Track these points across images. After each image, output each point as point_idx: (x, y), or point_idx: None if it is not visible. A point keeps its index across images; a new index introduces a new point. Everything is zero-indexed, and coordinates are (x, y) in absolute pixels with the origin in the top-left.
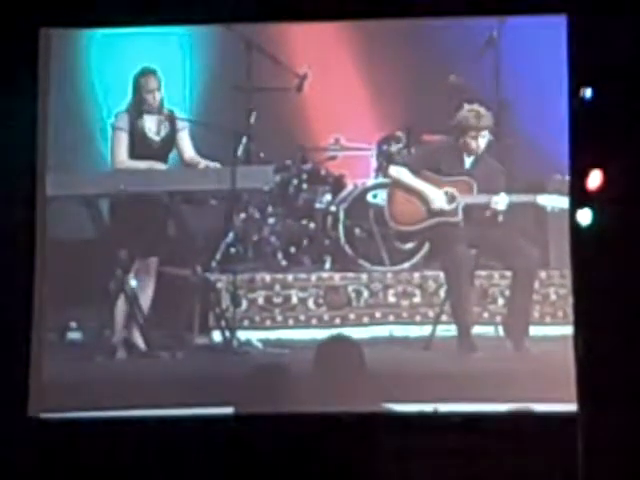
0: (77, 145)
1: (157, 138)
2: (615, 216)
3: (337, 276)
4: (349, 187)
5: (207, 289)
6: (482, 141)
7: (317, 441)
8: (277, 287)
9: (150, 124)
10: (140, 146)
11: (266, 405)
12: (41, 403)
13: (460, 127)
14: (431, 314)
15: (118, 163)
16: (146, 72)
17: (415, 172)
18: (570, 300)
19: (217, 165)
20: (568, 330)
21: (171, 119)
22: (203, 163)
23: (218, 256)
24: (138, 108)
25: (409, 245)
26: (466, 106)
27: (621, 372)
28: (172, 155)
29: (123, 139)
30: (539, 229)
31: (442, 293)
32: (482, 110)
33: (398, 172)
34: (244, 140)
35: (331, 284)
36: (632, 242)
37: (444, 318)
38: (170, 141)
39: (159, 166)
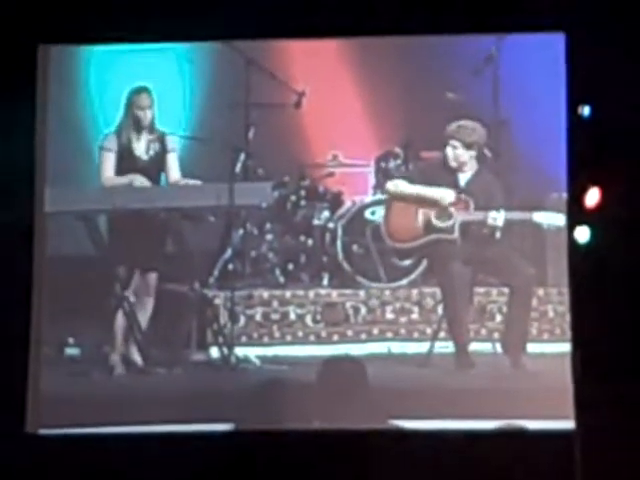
0: (76, 161)
1: (145, 157)
2: (613, 234)
3: (335, 293)
4: (347, 204)
5: (205, 305)
6: (468, 155)
7: (316, 458)
8: (275, 303)
9: (139, 143)
10: (127, 164)
11: (264, 422)
12: (39, 419)
13: (445, 138)
14: (429, 331)
15: (105, 180)
16: (138, 90)
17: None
18: (568, 317)
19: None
20: (566, 347)
21: (161, 139)
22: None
23: (216, 272)
24: (128, 126)
25: (407, 262)
26: (456, 122)
27: (618, 389)
28: (162, 176)
29: (110, 158)
30: (536, 246)
31: (440, 310)
32: (469, 124)
33: (396, 185)
34: (242, 156)
35: (329, 300)
36: (630, 260)
37: (442, 335)
38: (159, 161)
39: (143, 180)
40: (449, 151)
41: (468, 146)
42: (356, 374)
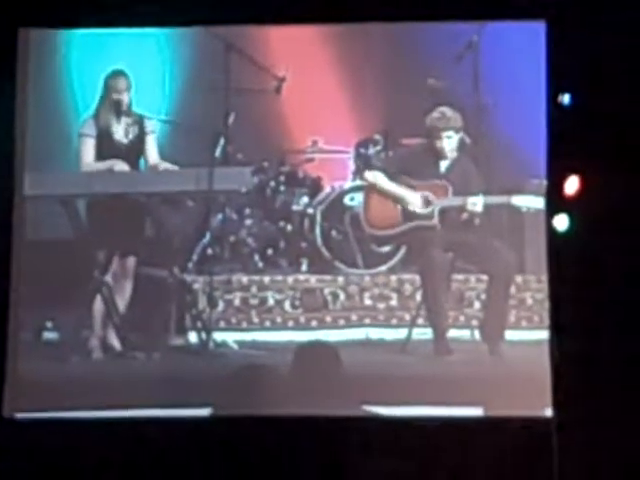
0: (55, 145)
1: (125, 140)
2: (592, 221)
3: (313, 278)
4: (326, 189)
5: (183, 290)
6: (449, 142)
7: (293, 443)
8: (254, 289)
9: (118, 127)
10: (107, 149)
11: (242, 407)
12: (16, 403)
13: (428, 129)
14: (407, 317)
15: (84, 166)
16: (115, 73)
17: (391, 176)
18: (546, 305)
19: (175, 168)
20: (544, 335)
21: (140, 122)
22: (167, 167)
23: (195, 257)
24: (106, 110)
25: (385, 248)
26: (436, 109)
27: (596, 377)
28: (142, 160)
29: (89, 144)
30: (515, 232)
31: (418, 296)
32: (449, 112)
33: (374, 177)
34: (222, 141)
35: (307, 286)
36: (608, 247)
37: (420, 321)
38: (139, 144)
39: (123, 165)
40: (445, 142)
41: (457, 131)
42: (328, 359)
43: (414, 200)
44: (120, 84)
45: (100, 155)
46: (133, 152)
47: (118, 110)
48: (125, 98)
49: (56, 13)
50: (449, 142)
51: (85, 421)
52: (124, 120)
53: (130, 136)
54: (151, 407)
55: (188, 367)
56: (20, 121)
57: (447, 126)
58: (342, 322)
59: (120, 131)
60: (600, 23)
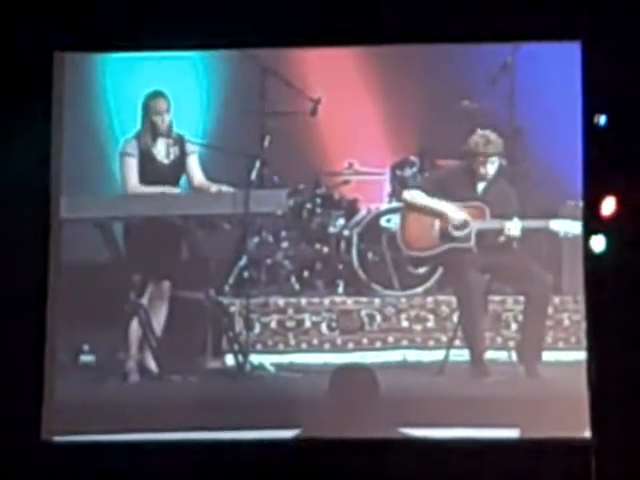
0: (91, 168)
1: (166, 161)
2: (628, 242)
3: (350, 300)
4: (363, 211)
5: (220, 313)
6: (491, 167)
7: (330, 466)
8: (290, 311)
9: (159, 147)
10: (150, 170)
11: (279, 429)
12: (54, 426)
13: (470, 152)
14: (444, 339)
15: (130, 189)
16: (155, 95)
17: (428, 197)
18: (583, 326)
19: (228, 189)
20: (581, 356)
21: (180, 143)
22: (213, 187)
23: (231, 280)
24: (147, 131)
25: (422, 270)
26: (478, 132)
27: (634, 398)
28: (183, 179)
29: (132, 165)
30: (552, 254)
31: (455, 318)
32: (492, 136)
33: (412, 196)
34: (258, 164)
35: (344, 308)
36: None
37: (457, 343)
38: (180, 165)
39: (170, 190)
40: (489, 167)
41: (487, 156)
42: (365, 381)
43: (455, 215)
44: (160, 105)
45: (143, 176)
46: (175, 173)
47: (158, 131)
48: (166, 119)
49: (91, 37)
50: (492, 166)
51: (122, 444)
52: (165, 141)
53: (172, 157)
54: (188, 430)
55: (225, 390)
56: (56, 144)
57: (492, 151)
58: (379, 344)
59: (161, 152)
60: (634, 43)
